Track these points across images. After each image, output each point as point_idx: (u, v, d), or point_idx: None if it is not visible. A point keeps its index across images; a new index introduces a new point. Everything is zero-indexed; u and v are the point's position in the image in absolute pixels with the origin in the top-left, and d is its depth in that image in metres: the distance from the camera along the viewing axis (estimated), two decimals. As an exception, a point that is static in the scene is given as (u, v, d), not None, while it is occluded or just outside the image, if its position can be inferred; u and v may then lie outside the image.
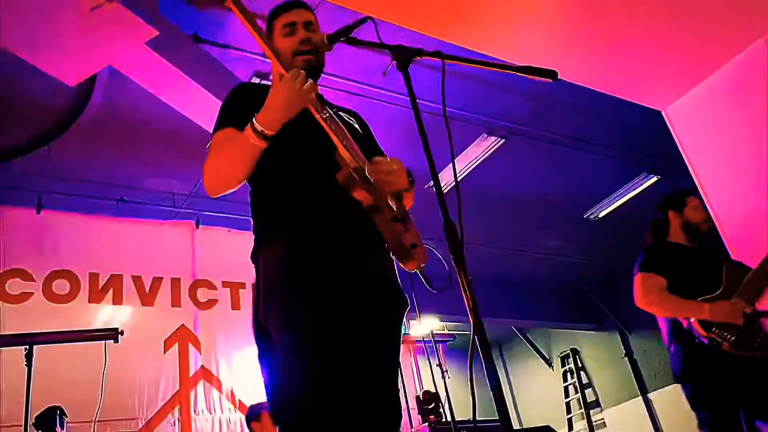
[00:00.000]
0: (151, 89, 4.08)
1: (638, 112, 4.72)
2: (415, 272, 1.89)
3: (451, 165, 5.55)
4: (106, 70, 4.00)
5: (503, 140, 6.01)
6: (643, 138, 5.97)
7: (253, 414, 3.94)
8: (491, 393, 1.41)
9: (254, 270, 1.80)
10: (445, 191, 5.80)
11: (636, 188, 7.18)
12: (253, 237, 1.83)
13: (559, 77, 1.56)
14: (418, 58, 1.67)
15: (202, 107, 4.17)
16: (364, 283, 1.73)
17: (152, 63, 3.77)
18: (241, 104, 1.82)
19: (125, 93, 4.30)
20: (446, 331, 8.76)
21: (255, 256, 1.79)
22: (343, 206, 1.73)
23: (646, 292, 2.88)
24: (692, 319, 2.71)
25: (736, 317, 2.66)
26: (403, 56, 1.65)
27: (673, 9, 3.53)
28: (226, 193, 1.79)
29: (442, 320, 7.83)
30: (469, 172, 6.39)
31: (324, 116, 1.74)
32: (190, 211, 5.37)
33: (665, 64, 3.97)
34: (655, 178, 6.98)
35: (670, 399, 8.38)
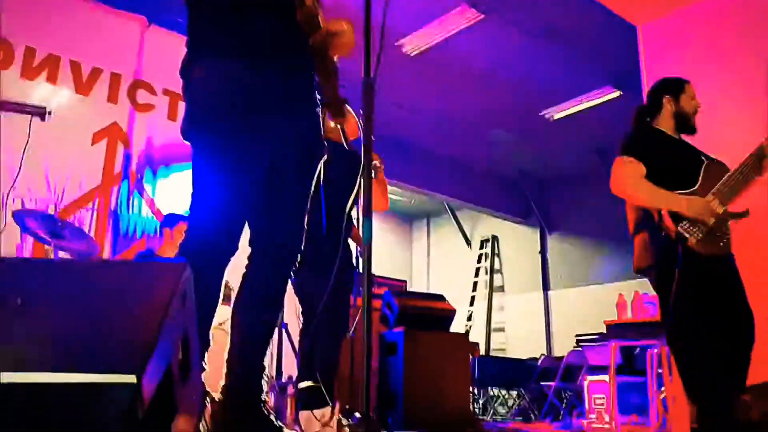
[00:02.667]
0: None
1: (616, 27, 4.65)
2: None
3: (425, 29, 5.36)
4: None
5: (483, 16, 5.85)
6: (616, 52, 5.92)
7: (168, 220, 4.03)
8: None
9: (183, 83, 1.83)
10: (414, 53, 5.61)
11: (596, 98, 7.21)
12: (186, 53, 1.83)
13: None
14: None
15: None
16: (286, 128, 1.80)
17: None
18: None
19: None
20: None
21: (185, 72, 1.82)
22: (286, 39, 1.76)
23: (624, 177, 2.79)
24: (663, 211, 2.66)
25: (709, 215, 2.64)
26: None
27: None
28: None
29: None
30: (443, 40, 6.24)
31: None
32: (145, 6, 5.08)
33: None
34: (617, 93, 7.02)
35: (566, 300, 9.05)
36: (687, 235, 2.62)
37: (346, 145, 2.26)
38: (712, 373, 2.66)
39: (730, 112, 3.79)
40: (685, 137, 3.00)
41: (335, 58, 1.91)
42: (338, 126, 1.99)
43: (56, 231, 3.54)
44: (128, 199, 4.77)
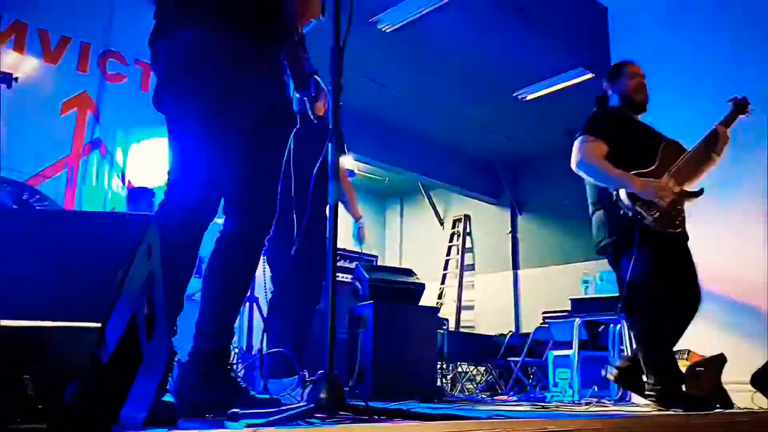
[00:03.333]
0: None
1: (589, 9, 4.71)
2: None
3: (400, 6, 5.33)
4: None
5: (459, -7, 5.86)
6: (588, 35, 5.97)
7: (134, 195, 4.01)
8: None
9: (151, 52, 1.84)
10: (390, 30, 5.58)
11: (569, 80, 7.28)
12: (155, 23, 1.83)
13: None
14: None
15: None
16: (259, 96, 1.83)
17: None
18: None
19: None
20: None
21: (154, 41, 1.82)
22: (256, 7, 1.78)
23: (585, 155, 2.86)
24: (621, 191, 2.75)
25: (664, 195, 2.71)
26: None
27: None
28: None
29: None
30: (418, 18, 6.23)
31: None
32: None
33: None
34: (589, 75, 7.09)
35: (535, 279, 9.22)
36: (643, 213, 2.70)
37: (313, 119, 2.29)
38: (667, 346, 2.77)
39: (695, 92, 3.89)
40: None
41: (300, 29, 1.93)
42: (305, 99, 2.01)
43: (24, 199, 3.51)
44: (97, 170, 4.72)
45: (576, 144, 2.91)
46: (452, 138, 9.18)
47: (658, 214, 2.71)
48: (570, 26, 6.10)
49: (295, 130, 2.00)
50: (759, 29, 3.78)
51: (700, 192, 2.88)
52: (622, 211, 2.76)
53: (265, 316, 4.07)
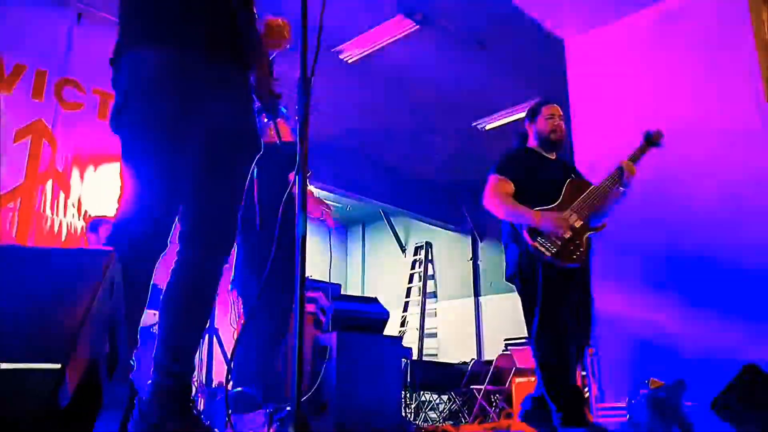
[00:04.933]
0: None
1: (546, 41, 4.85)
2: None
3: (362, 37, 5.36)
4: None
5: (417, 26, 5.96)
6: (545, 66, 6.14)
7: (94, 226, 3.92)
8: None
9: (114, 73, 1.80)
10: (351, 60, 5.63)
11: (525, 110, 7.44)
12: (117, 42, 1.80)
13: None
14: None
15: None
16: (220, 120, 1.80)
17: None
18: None
19: None
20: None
21: (115, 62, 1.78)
22: (223, 30, 1.76)
23: (492, 194, 2.99)
24: (523, 227, 2.86)
25: (562, 229, 2.80)
26: None
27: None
28: None
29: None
30: (380, 49, 6.32)
31: None
32: (75, 1, 4.93)
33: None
34: (546, 106, 7.26)
35: (497, 305, 9.28)
36: (542, 249, 2.81)
37: (279, 142, 2.26)
38: (565, 372, 2.84)
39: (650, 121, 4.01)
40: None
41: (269, 55, 1.93)
42: (272, 123, 2.00)
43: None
44: (53, 200, 4.59)
45: (488, 181, 3.06)
46: (413, 166, 9.26)
47: (556, 249, 2.80)
48: (527, 58, 6.26)
49: (258, 155, 1.96)
50: (717, 60, 3.93)
51: (603, 226, 2.99)
52: (525, 246, 2.87)
53: (226, 348, 3.99)
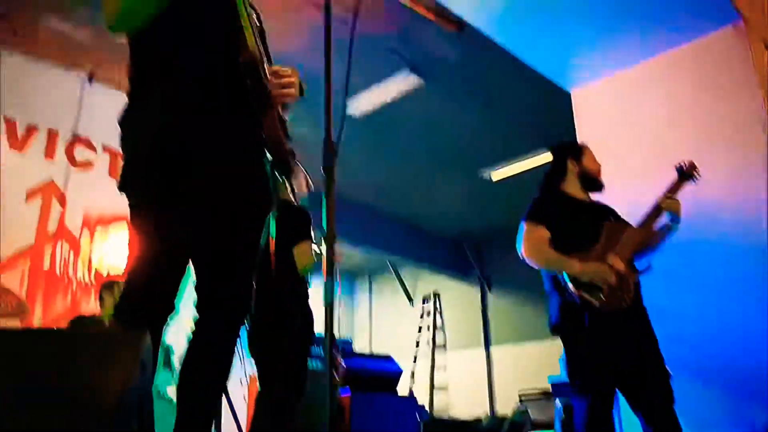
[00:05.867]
0: None
1: (550, 91, 4.90)
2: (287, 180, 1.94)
3: (368, 93, 5.44)
4: None
5: (422, 81, 6.05)
6: (550, 116, 6.20)
7: (105, 285, 3.89)
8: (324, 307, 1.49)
9: (123, 132, 1.78)
10: (357, 117, 5.70)
11: (532, 160, 7.48)
12: (127, 101, 1.79)
13: (463, 29, 1.60)
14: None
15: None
16: (233, 178, 1.76)
17: None
18: None
19: None
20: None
21: (122, 122, 1.77)
22: (230, 95, 1.74)
23: (528, 243, 2.86)
24: (566, 276, 2.73)
25: (608, 276, 2.69)
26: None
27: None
28: (127, 25, 1.71)
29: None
30: (383, 105, 6.39)
31: None
32: (87, 63, 5.02)
33: (582, 46, 4.11)
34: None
35: (509, 356, 9.13)
36: (587, 298, 2.69)
37: (294, 202, 2.23)
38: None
39: (658, 171, 4.02)
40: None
41: (282, 111, 1.89)
42: (286, 182, 1.95)
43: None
44: (63, 259, 4.57)
45: (521, 230, 2.93)
46: (420, 216, 9.27)
47: (604, 297, 2.69)
48: (533, 109, 6.33)
49: (270, 211, 1.92)
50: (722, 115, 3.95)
51: (649, 268, 2.88)
52: (569, 296, 2.75)
53: (236, 409, 3.90)
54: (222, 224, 1.74)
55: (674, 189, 3.03)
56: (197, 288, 1.76)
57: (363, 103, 6.44)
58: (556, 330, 2.90)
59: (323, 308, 1.57)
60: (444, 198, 8.58)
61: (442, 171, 7.88)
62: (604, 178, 3.12)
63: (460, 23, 1.70)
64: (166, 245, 1.66)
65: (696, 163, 3.08)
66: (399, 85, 6.14)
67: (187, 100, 1.70)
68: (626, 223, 3.00)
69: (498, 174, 7.90)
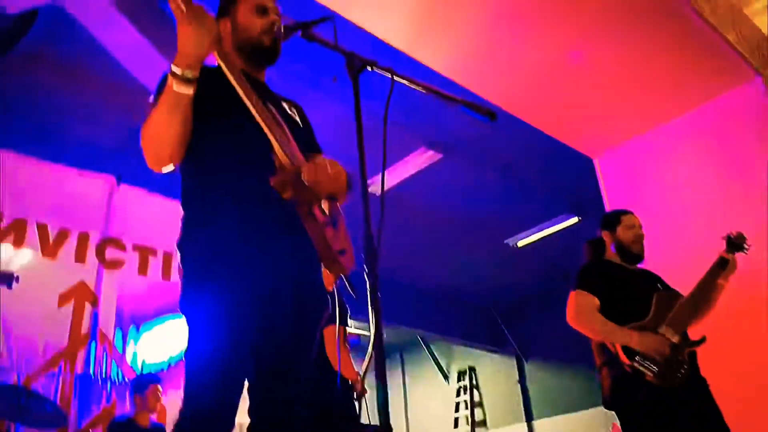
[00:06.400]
0: (98, 35, 3.91)
1: (570, 157, 4.93)
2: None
3: (387, 171, 5.52)
4: (53, 7, 3.81)
5: (441, 155, 6.12)
6: (571, 180, 6.21)
7: (138, 385, 3.83)
8: (377, 407, 1.44)
9: (179, 255, 1.78)
10: (378, 194, 5.75)
11: (556, 225, 7.45)
12: (181, 227, 1.79)
13: (496, 118, 1.61)
14: (370, 68, 1.68)
15: (146, 62, 4.04)
16: (287, 288, 1.74)
17: (104, 8, 3.62)
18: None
19: (69, 34, 4.11)
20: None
21: (180, 246, 1.77)
22: (274, 211, 1.73)
23: (578, 311, 2.81)
24: (617, 345, 2.66)
25: (662, 348, 2.64)
26: (356, 64, 1.66)
27: (621, 64, 3.70)
28: (165, 165, 1.70)
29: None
30: (403, 180, 6.46)
31: (258, 110, 1.71)
32: (114, 165, 5.17)
33: (603, 114, 4.15)
34: (575, 219, 7.27)
35: (552, 428, 8.75)
36: (642, 369, 2.61)
37: (354, 295, 2.17)
38: None
39: (693, 231, 3.95)
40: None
41: (325, 206, 1.87)
42: (331, 275, 1.93)
43: (19, 404, 3.34)
44: (97, 361, 4.55)
45: (569, 299, 2.88)
46: (448, 289, 9.16)
47: (658, 369, 2.61)
48: (553, 176, 6.35)
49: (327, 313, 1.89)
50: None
51: (703, 340, 2.79)
52: (623, 367, 2.66)
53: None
54: (279, 333, 1.72)
55: (725, 264, 2.94)
56: (253, 393, 1.72)
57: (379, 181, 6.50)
58: (609, 405, 2.79)
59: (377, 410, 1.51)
60: (471, 268, 8.49)
61: (467, 241, 7.84)
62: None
63: (491, 112, 1.71)
64: (231, 363, 1.63)
65: (743, 234, 3.03)
66: (417, 161, 6.22)
67: (248, 208, 1.72)
68: (676, 292, 2.94)
69: (523, 240, 7.85)
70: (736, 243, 2.99)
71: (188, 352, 1.67)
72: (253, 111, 1.69)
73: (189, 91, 1.61)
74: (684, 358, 2.71)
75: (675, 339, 2.70)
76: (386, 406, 1.42)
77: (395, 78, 1.62)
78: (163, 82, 1.73)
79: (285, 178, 1.66)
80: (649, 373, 2.61)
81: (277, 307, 1.72)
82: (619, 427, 3.11)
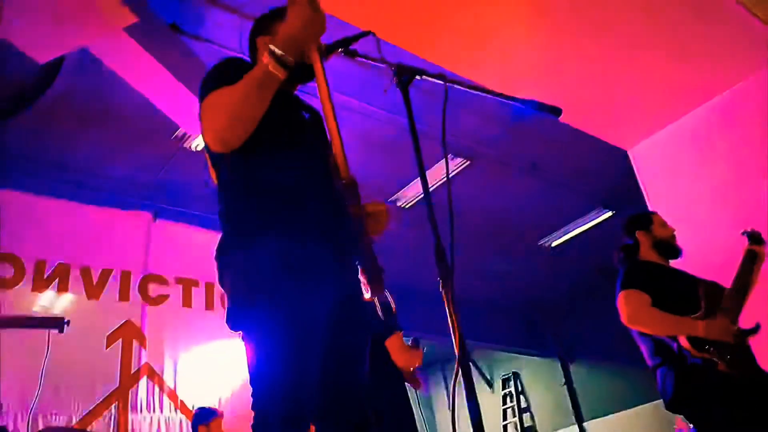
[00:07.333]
0: (123, 75, 3.97)
1: (599, 148, 4.86)
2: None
3: (415, 181, 5.46)
4: (78, 52, 3.88)
5: (468, 162, 6.09)
6: (601, 173, 6.14)
7: (201, 417, 3.84)
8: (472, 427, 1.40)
9: (220, 268, 1.74)
10: (408, 206, 5.73)
11: (590, 221, 7.35)
12: (224, 235, 1.76)
13: (561, 113, 1.58)
14: (420, 77, 1.66)
15: (172, 97, 4.09)
16: (344, 299, 1.73)
17: (128, 49, 3.67)
18: (234, 70, 1.68)
19: (95, 76, 4.18)
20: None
21: (224, 255, 1.72)
22: (334, 217, 1.72)
23: (634, 309, 2.72)
24: (682, 339, 2.58)
25: (728, 335, 2.57)
26: (405, 75, 1.64)
27: (650, 51, 3.65)
28: (237, 141, 1.60)
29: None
30: (434, 190, 6.42)
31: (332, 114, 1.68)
32: (149, 202, 5.23)
33: (634, 105, 4.09)
34: (609, 213, 7.17)
35: (605, 429, 8.58)
36: (715, 359, 2.52)
37: (381, 316, 2.18)
38: None
39: (726, 219, 3.85)
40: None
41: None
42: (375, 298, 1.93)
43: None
44: (148, 397, 4.57)
45: (620, 300, 2.80)
46: (486, 296, 9.06)
47: (730, 356, 2.53)
48: (584, 171, 6.27)
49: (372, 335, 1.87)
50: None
51: (758, 328, 2.71)
52: (690, 361, 2.57)
53: None
54: (335, 354, 1.70)
55: (755, 258, 2.92)
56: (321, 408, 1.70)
57: (410, 193, 6.49)
58: (674, 404, 2.68)
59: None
60: (506, 272, 8.41)
61: (501, 245, 7.77)
62: (679, 228, 3.07)
63: (556, 108, 1.68)
64: (292, 378, 1.58)
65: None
66: (443, 169, 6.18)
67: (295, 227, 1.68)
68: (716, 284, 2.88)
69: (558, 240, 7.76)
70: (756, 236, 2.98)
71: (256, 372, 1.63)
72: (329, 111, 1.64)
73: (283, 75, 1.57)
74: (748, 346, 2.65)
75: (734, 328, 2.64)
76: (480, 425, 1.37)
77: (448, 83, 1.59)
78: (225, 64, 1.73)
79: (351, 183, 1.63)
80: (722, 363, 2.52)
81: (340, 322, 1.71)
82: (684, 423, 3.03)
